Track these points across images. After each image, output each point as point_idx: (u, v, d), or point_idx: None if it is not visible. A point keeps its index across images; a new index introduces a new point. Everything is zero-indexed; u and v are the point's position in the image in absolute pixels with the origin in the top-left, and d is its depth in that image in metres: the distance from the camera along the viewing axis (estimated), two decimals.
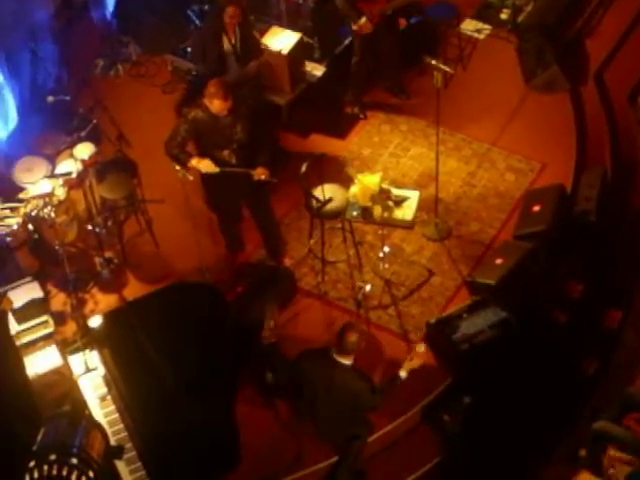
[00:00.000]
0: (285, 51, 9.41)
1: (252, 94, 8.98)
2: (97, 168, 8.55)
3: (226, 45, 8.86)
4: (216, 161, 7.77)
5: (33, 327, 7.75)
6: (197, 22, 10.43)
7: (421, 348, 6.94)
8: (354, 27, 9.32)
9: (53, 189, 8.23)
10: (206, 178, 7.94)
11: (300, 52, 9.66)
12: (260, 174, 7.76)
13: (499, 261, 8.21)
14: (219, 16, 8.79)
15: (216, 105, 7.63)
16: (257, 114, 8.00)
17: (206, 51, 8.95)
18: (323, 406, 6.87)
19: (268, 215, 8.42)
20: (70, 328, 8.09)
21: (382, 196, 8.34)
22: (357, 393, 6.77)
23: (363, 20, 9.20)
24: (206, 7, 10.42)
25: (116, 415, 6.76)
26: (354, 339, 6.69)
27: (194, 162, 7.77)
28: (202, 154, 7.82)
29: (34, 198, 8.18)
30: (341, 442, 6.99)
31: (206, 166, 7.75)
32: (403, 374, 6.85)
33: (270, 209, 8.42)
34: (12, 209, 8.21)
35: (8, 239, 8.18)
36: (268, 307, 7.86)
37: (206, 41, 8.98)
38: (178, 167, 7.83)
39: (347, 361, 6.77)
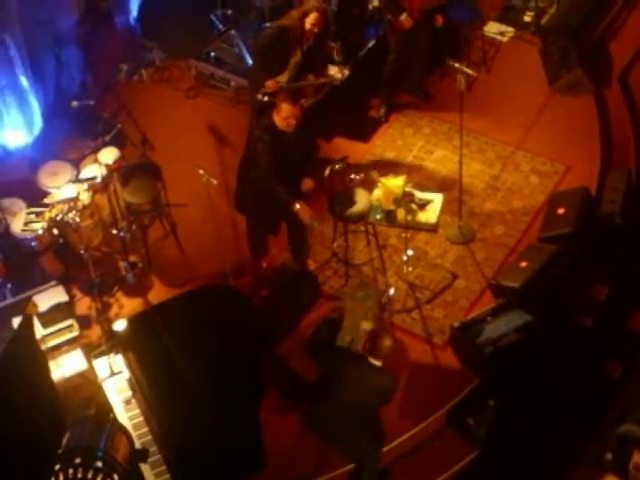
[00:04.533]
0: None
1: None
2: (121, 172, 8.59)
3: (295, 52, 8.58)
4: None
5: (58, 331, 7.81)
6: (220, 27, 10.48)
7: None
8: (395, 22, 9.18)
9: (78, 194, 8.27)
10: (260, 188, 7.66)
11: None
12: (307, 186, 7.71)
13: (524, 264, 8.18)
14: (301, 19, 8.46)
15: (285, 111, 7.28)
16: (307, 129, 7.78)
17: (270, 52, 8.58)
18: (345, 403, 6.82)
19: (302, 226, 8.36)
20: (95, 332, 8.12)
21: (406, 199, 8.33)
22: (384, 391, 6.78)
23: (404, 16, 9.13)
24: (229, 12, 10.45)
25: (141, 418, 6.78)
26: (389, 343, 6.72)
27: (298, 207, 7.52)
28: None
29: (59, 203, 8.22)
30: (352, 450, 7.00)
31: (307, 215, 7.58)
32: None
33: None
34: (37, 214, 8.25)
35: (33, 244, 8.24)
36: None
37: (275, 42, 8.53)
38: (202, 171, 7.81)
39: (378, 362, 6.78)
